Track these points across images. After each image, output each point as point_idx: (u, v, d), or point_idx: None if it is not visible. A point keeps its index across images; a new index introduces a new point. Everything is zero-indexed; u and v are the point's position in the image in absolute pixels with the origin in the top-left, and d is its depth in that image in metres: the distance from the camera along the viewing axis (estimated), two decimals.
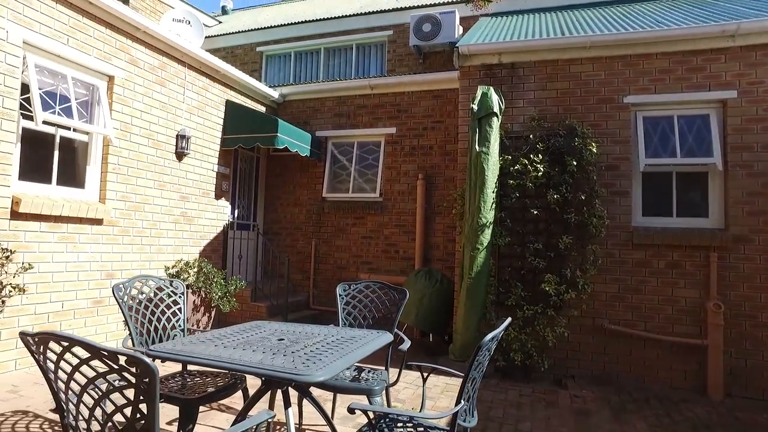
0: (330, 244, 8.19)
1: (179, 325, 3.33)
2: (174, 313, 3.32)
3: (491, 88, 5.64)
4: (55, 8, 5.00)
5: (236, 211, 7.94)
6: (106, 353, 1.48)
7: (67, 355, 1.58)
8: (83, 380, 1.58)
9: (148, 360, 1.48)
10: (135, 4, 10.37)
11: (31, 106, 4.77)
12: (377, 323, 3.83)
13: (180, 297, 3.39)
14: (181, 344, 2.54)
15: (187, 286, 5.90)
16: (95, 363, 1.54)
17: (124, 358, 1.52)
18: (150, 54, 6.11)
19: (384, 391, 3.34)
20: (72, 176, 5.46)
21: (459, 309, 5.64)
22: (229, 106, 7.45)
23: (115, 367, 1.51)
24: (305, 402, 3.64)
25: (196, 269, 6.18)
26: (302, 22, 10.66)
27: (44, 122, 4.85)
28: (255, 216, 8.54)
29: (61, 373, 1.65)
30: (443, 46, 9.01)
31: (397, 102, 7.96)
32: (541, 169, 5.45)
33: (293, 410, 3.32)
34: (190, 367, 3.28)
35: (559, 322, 5.35)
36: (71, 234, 5.17)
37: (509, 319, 2.32)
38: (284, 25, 10.87)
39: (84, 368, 1.57)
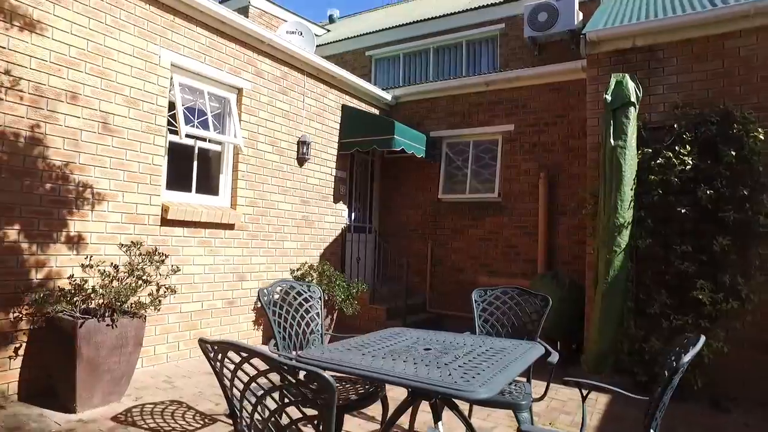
0: (446, 246, 8.02)
1: (317, 330, 3.35)
2: (312, 318, 3.34)
3: (626, 75, 5.12)
4: (195, 31, 5.38)
5: (353, 214, 8.07)
6: (285, 367, 1.44)
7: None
8: (246, 383, 1.56)
9: (328, 376, 1.41)
10: (252, 20, 11.00)
11: (176, 122, 5.17)
12: (516, 332, 3.59)
13: (317, 302, 3.41)
14: (329, 352, 2.51)
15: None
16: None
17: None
18: (273, 65, 6.37)
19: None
20: (207, 184, 5.84)
21: (593, 316, 5.19)
22: (345, 110, 7.58)
23: (293, 381, 1.46)
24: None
25: (318, 272, 6.33)
26: (411, 23, 10.63)
27: (187, 135, 5.22)
28: (371, 218, 8.63)
29: (232, 379, 1.64)
30: (561, 35, 8.46)
31: (515, 97, 7.59)
32: (689, 162, 4.84)
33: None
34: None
35: (717, 336, 4.69)
36: (208, 238, 5.52)
37: (703, 338, 1.99)
38: (392, 27, 10.92)
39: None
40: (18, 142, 4.00)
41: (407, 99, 8.56)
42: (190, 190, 5.52)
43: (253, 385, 1.57)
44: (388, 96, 8.44)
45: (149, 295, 4.21)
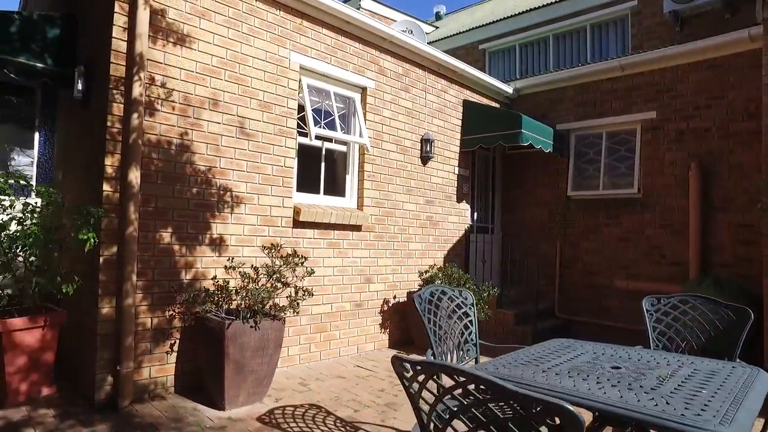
0: (577, 246, 7.39)
1: (471, 339, 3.08)
2: (466, 326, 3.09)
3: None
4: (321, 32, 5.39)
5: (475, 214, 7.71)
6: (520, 396, 1.18)
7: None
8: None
9: (573, 409, 1.12)
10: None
11: (305, 124, 5.19)
12: (703, 348, 3.05)
13: (470, 308, 3.15)
14: (503, 368, 2.23)
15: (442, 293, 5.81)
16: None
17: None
18: (395, 62, 6.24)
19: None
20: (333, 185, 5.83)
21: None
22: (467, 105, 7.27)
23: (525, 414, 1.19)
24: None
25: (447, 274, 6.07)
26: (527, 10, 10.03)
27: (316, 137, 5.23)
28: (493, 218, 8.22)
29: (435, 404, 1.42)
30: (711, 5, 7.45)
31: (656, 81, 6.78)
32: None
33: None
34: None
35: None
36: (337, 240, 5.50)
37: None
38: (507, 17, 10.39)
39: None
40: (170, 149, 4.20)
41: (529, 91, 8.04)
42: (318, 192, 5.54)
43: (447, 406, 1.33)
44: (509, 89, 7.98)
45: (287, 297, 4.22)
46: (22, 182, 3.99)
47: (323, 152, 5.61)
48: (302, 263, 4.21)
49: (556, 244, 7.57)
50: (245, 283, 4.22)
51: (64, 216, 4.10)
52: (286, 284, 4.14)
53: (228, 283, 4.23)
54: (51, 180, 5.27)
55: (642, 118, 6.87)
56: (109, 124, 3.90)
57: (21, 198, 4.15)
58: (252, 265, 4.29)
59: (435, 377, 1.45)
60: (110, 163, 3.90)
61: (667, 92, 6.68)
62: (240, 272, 4.22)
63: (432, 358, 2.75)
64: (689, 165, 6.37)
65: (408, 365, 1.41)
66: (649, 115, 6.80)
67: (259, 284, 4.22)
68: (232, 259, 4.39)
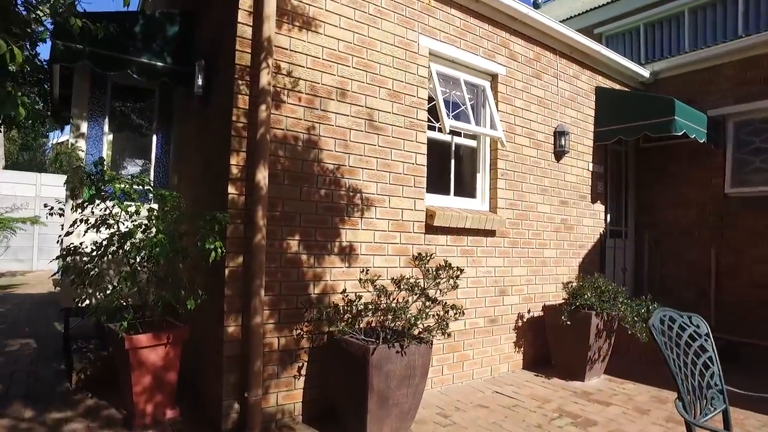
0: (740, 253, 6.20)
1: (715, 384, 2.28)
2: (705, 365, 2.29)
3: None
4: (449, 12, 4.77)
5: (608, 216, 6.74)
6: None
7: None
8: None
9: None
10: None
11: (438, 114, 4.57)
12: None
13: (705, 340, 2.35)
14: None
15: (587, 306, 4.97)
16: None
17: None
18: (525, 45, 5.48)
19: None
20: (462, 185, 5.18)
21: None
22: (601, 93, 6.34)
23: None
24: None
25: (594, 286, 5.17)
26: None
27: (450, 130, 4.59)
28: (626, 220, 7.19)
29: None
30: None
31: None
32: None
33: None
34: None
35: None
36: (470, 247, 4.83)
37: None
38: None
39: None
40: (297, 146, 3.74)
41: (671, 73, 6.93)
42: (447, 193, 4.90)
43: None
44: (645, 72, 6.93)
45: (434, 316, 3.60)
46: (147, 187, 3.67)
47: (453, 148, 4.97)
48: (457, 276, 3.56)
49: (710, 250, 6.42)
50: (381, 299, 3.65)
51: (185, 223, 3.75)
52: (434, 301, 3.52)
53: (360, 297, 3.69)
54: (167, 184, 5.04)
55: None
56: (234, 118, 3.49)
57: (145, 204, 3.86)
58: (392, 278, 3.72)
59: None
60: (235, 162, 3.49)
61: None
62: (376, 286, 3.66)
63: (683, 408, 1.99)
64: None
65: None
66: None
67: (391, 298, 3.65)
68: (366, 270, 3.85)
